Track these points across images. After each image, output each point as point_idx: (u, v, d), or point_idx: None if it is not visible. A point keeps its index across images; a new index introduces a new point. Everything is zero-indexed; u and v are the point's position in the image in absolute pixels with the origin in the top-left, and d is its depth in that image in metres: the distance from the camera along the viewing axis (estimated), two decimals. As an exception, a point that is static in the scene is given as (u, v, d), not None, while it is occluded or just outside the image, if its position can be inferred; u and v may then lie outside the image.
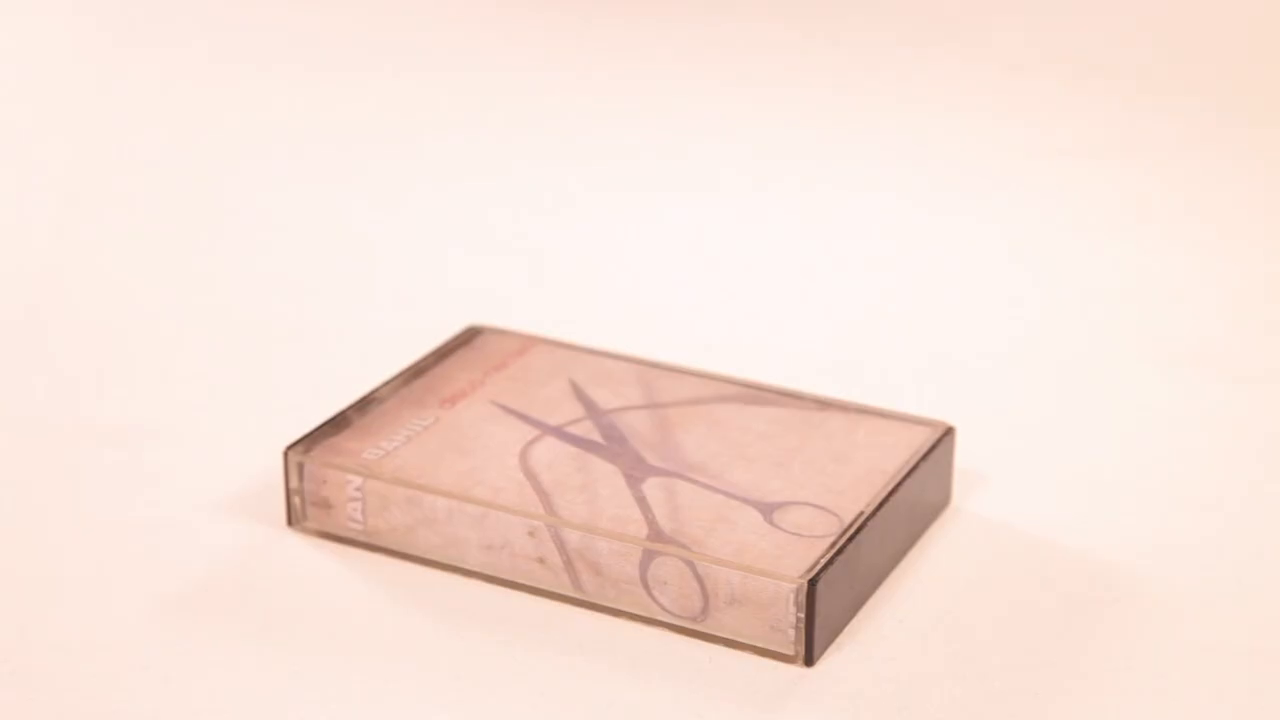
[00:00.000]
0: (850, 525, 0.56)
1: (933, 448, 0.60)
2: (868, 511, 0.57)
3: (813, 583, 0.53)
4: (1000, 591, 0.58)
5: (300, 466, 0.60)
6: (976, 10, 0.86)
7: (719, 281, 0.80)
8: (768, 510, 0.57)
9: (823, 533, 0.56)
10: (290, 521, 0.61)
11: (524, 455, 0.60)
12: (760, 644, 0.54)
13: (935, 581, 0.58)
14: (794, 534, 0.56)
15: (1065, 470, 0.65)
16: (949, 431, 0.61)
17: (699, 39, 0.90)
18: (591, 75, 0.95)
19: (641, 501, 0.57)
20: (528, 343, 0.67)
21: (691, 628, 0.55)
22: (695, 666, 0.54)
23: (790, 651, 0.54)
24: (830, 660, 0.54)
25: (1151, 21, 0.84)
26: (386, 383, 0.64)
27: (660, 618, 0.56)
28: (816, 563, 0.54)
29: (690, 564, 0.55)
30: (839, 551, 0.55)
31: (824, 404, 0.63)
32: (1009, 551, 0.60)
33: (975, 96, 0.87)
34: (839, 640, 0.55)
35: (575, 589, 0.57)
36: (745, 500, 0.57)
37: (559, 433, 0.61)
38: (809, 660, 0.54)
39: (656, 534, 0.56)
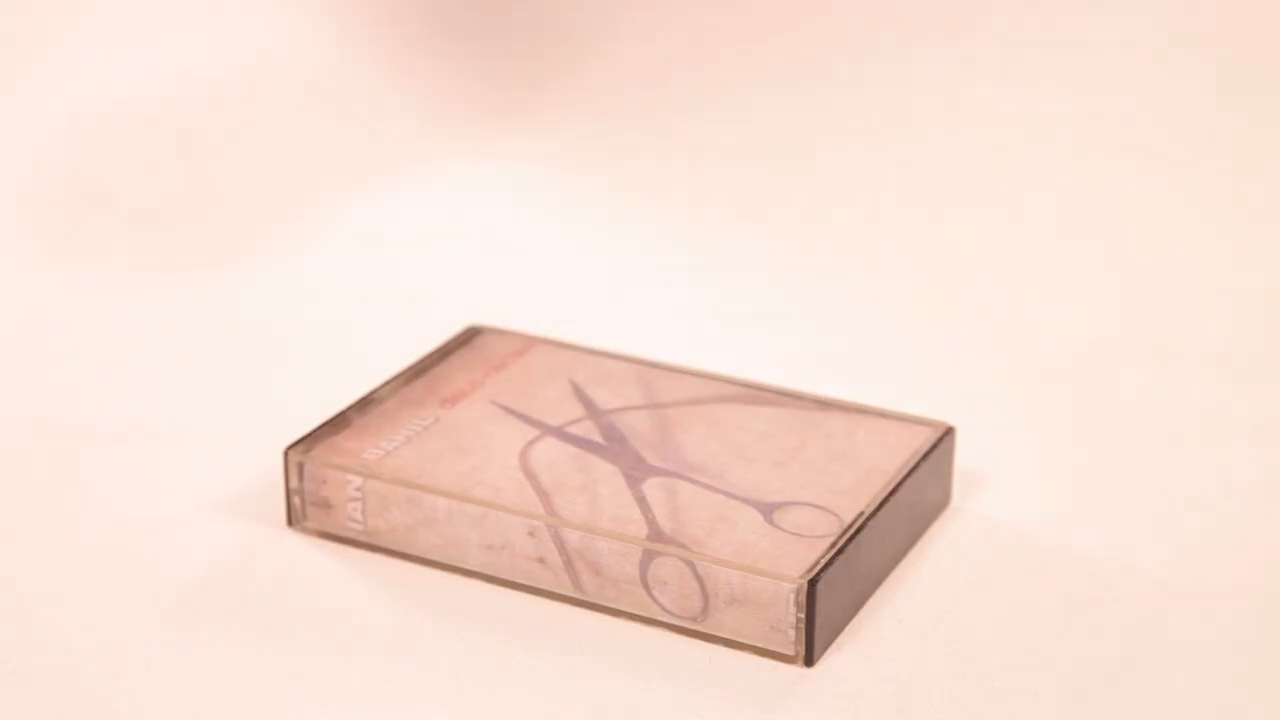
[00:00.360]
0: (850, 525, 0.56)
1: (933, 448, 0.60)
2: (868, 511, 0.57)
3: (813, 583, 0.53)
4: (1000, 591, 0.58)
5: (300, 466, 0.60)
6: (972, 8, 0.86)
7: (719, 281, 0.80)
8: (768, 510, 0.57)
9: (823, 533, 0.56)
10: (290, 521, 0.61)
11: (524, 455, 0.60)
12: (760, 644, 0.54)
13: (935, 581, 0.58)
14: (794, 534, 0.56)
15: (1065, 470, 0.65)
16: (949, 431, 0.61)
17: (702, 37, 0.90)
18: (591, 72, 0.95)
19: (641, 501, 0.57)
20: (528, 343, 0.67)
21: (691, 628, 0.55)
22: (695, 666, 0.54)
23: (790, 651, 0.54)
24: (830, 660, 0.54)
25: (1152, 21, 0.84)
26: (386, 383, 0.64)
27: (660, 618, 0.56)
28: (817, 563, 0.54)
29: (690, 564, 0.55)
30: (839, 552, 0.55)
31: (824, 404, 0.63)
32: (1009, 551, 0.60)
33: (972, 97, 0.87)
34: (839, 640, 0.55)
35: (575, 589, 0.57)
36: (745, 500, 0.57)
37: (559, 433, 0.61)
38: (809, 660, 0.54)
39: (656, 534, 0.56)
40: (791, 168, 0.89)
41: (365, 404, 0.63)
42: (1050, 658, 0.54)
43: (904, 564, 0.59)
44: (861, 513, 0.57)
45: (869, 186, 0.87)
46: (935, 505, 0.61)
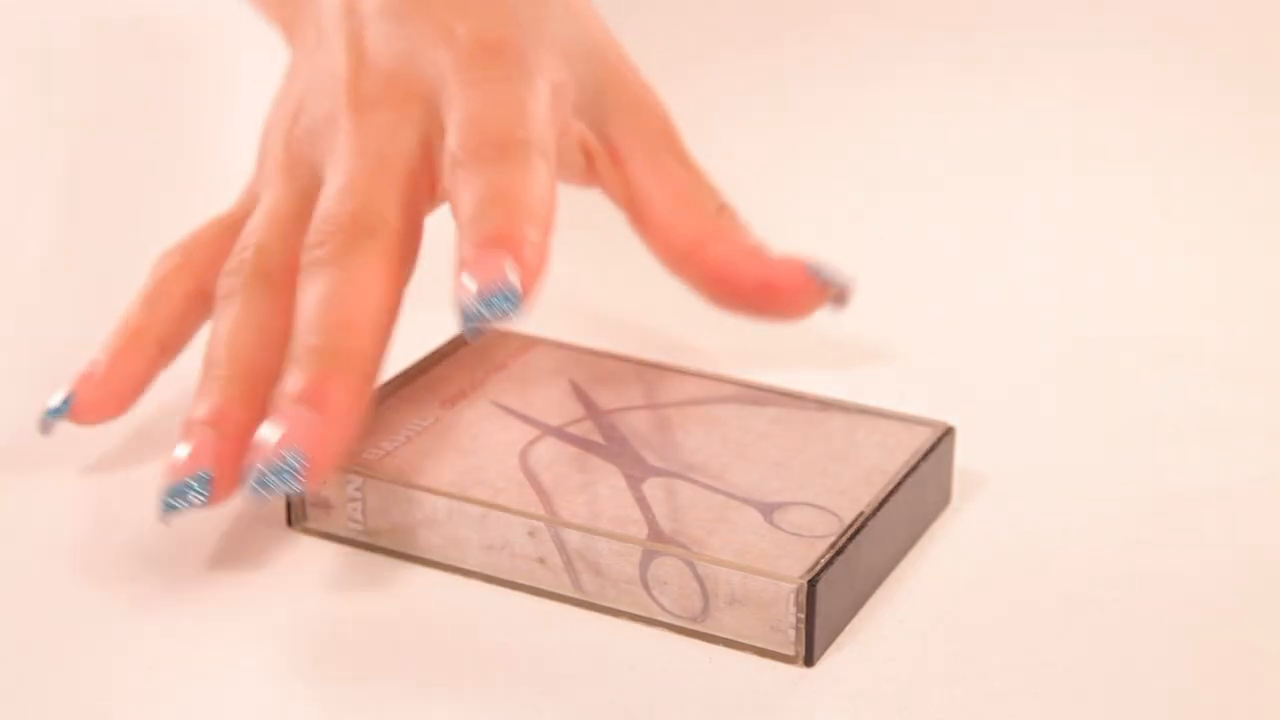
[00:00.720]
0: (850, 525, 0.56)
1: (933, 447, 0.60)
2: (868, 511, 0.57)
3: (812, 583, 0.53)
4: (1000, 592, 0.57)
5: None
6: (973, 7, 0.86)
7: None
8: (768, 510, 0.57)
9: (823, 533, 0.56)
10: (290, 522, 0.61)
11: (524, 455, 0.60)
12: (760, 644, 0.54)
13: (935, 582, 0.58)
14: (794, 534, 0.56)
15: (1065, 470, 0.65)
16: (949, 431, 0.61)
17: (704, 40, 0.90)
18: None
19: (642, 502, 0.57)
20: (528, 343, 0.67)
21: (692, 628, 0.55)
22: (695, 666, 0.54)
23: (790, 652, 0.54)
24: (830, 660, 0.54)
25: (1154, 19, 0.84)
26: (386, 383, 0.64)
27: (660, 618, 0.56)
28: (817, 563, 0.54)
29: (690, 564, 0.55)
30: (839, 552, 0.55)
31: (825, 404, 0.63)
32: (1009, 552, 0.60)
33: (971, 95, 0.87)
34: (839, 640, 0.55)
35: (575, 589, 0.57)
36: (746, 500, 0.57)
37: (559, 433, 0.61)
38: (809, 661, 0.54)
39: (657, 534, 0.56)
40: (792, 166, 0.89)
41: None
42: (1050, 658, 0.54)
43: (904, 564, 0.59)
44: (861, 513, 0.57)
45: (869, 184, 0.87)
46: (935, 505, 0.61)
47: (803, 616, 0.54)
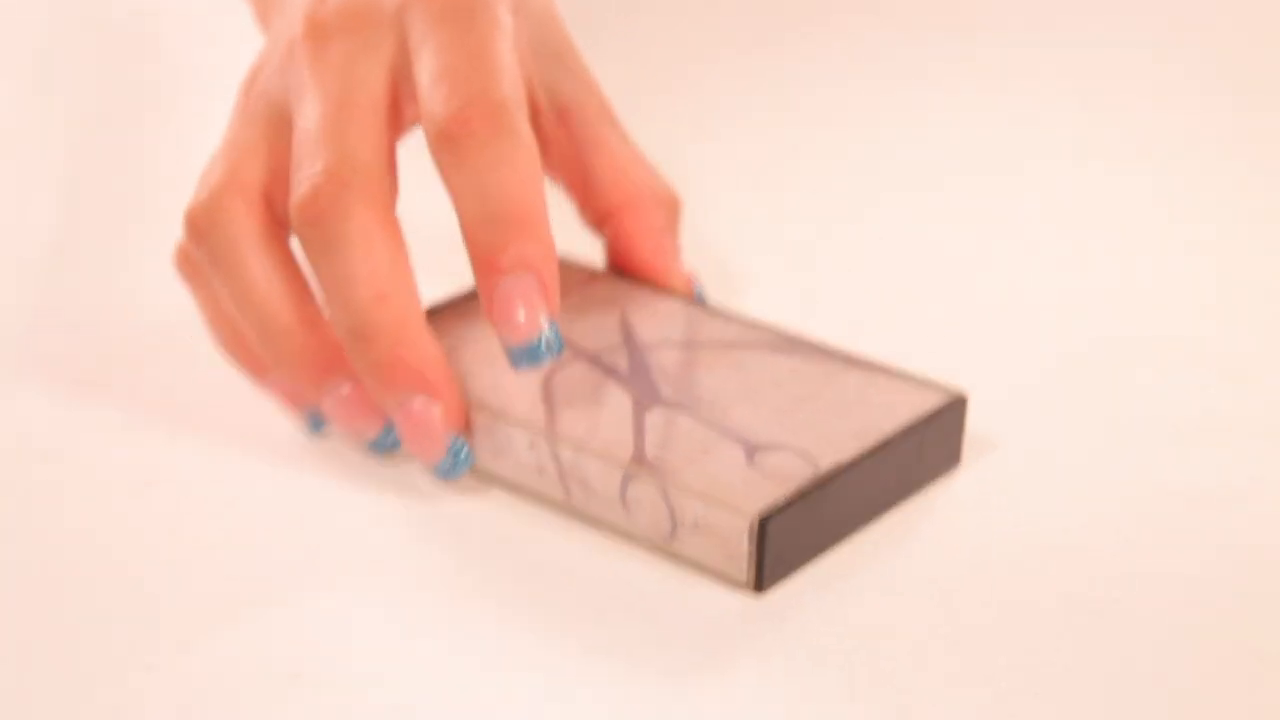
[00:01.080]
0: (823, 474, 0.57)
1: (937, 413, 0.60)
2: (845, 463, 0.57)
3: (764, 521, 0.54)
4: (1000, 591, 0.57)
5: None
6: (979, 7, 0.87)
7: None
8: (752, 450, 0.58)
9: (794, 476, 0.56)
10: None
11: (549, 375, 0.61)
12: (719, 569, 0.56)
13: (932, 581, 0.57)
14: (767, 475, 0.56)
15: (1065, 470, 0.64)
16: (959, 399, 0.61)
17: (704, 40, 0.91)
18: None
19: (638, 428, 0.58)
20: (596, 275, 0.69)
21: (663, 547, 0.57)
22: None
23: (743, 579, 0.55)
24: (780, 592, 0.55)
25: (1158, 20, 0.85)
26: (453, 299, 0.66)
27: (636, 534, 0.57)
28: (775, 503, 0.55)
29: (662, 490, 0.56)
30: (801, 496, 0.55)
31: (850, 360, 0.63)
32: (1009, 551, 0.59)
33: (971, 95, 0.87)
34: (797, 576, 0.56)
35: (568, 499, 0.58)
36: (736, 439, 0.58)
37: (590, 358, 0.63)
38: (759, 587, 0.55)
39: (639, 459, 0.57)
40: (789, 167, 0.89)
41: (430, 310, 0.65)
42: (1049, 658, 0.53)
43: (903, 559, 0.58)
44: (839, 463, 0.57)
45: (869, 182, 0.87)
46: (937, 468, 0.61)
47: (754, 550, 0.55)
